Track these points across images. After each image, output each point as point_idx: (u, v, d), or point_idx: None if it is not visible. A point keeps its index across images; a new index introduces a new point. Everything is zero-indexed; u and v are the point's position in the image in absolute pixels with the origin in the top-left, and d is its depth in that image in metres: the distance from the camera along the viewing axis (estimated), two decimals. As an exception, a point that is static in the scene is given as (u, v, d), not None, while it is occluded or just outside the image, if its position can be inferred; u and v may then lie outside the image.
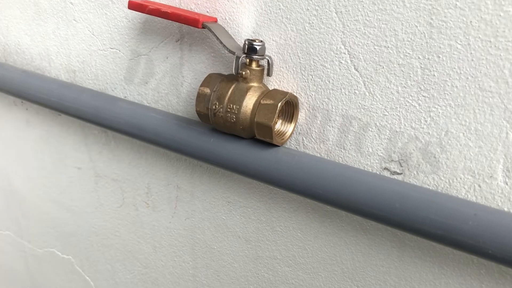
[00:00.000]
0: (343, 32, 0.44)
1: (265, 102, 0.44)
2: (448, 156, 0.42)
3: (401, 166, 0.44)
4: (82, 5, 0.62)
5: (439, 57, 0.40)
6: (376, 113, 0.44)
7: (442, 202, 0.40)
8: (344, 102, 0.46)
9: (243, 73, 0.45)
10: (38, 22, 0.68)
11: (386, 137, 0.44)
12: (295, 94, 0.48)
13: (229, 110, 0.46)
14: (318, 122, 0.48)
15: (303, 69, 0.47)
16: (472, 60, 0.39)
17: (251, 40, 0.45)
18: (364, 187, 0.43)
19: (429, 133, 0.42)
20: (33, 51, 0.70)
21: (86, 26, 0.63)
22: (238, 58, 0.45)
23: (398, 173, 0.45)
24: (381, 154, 0.45)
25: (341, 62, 0.45)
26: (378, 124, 0.44)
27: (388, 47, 0.42)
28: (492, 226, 0.38)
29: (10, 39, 0.73)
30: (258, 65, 0.46)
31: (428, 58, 0.40)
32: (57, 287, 0.90)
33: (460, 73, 0.39)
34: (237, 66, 0.45)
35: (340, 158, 0.47)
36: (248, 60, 0.46)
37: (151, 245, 0.70)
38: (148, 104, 0.60)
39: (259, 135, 0.46)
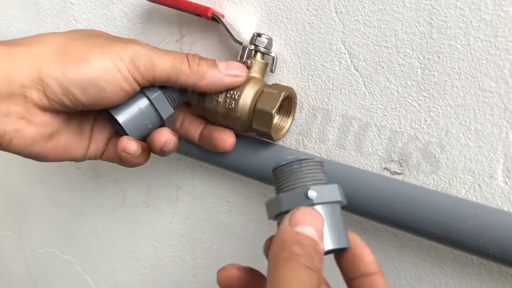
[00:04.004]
0: (343, 32, 0.44)
1: (268, 90, 0.44)
2: (448, 156, 0.42)
3: (401, 166, 0.44)
4: (82, 5, 0.62)
5: (439, 57, 0.40)
6: (376, 113, 0.44)
7: (442, 202, 0.40)
8: (344, 102, 0.46)
9: (248, 61, 0.46)
10: (38, 22, 0.68)
11: (386, 137, 0.44)
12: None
13: (229, 96, 0.45)
14: (318, 122, 0.48)
15: (303, 69, 0.47)
16: (472, 60, 0.39)
17: (260, 33, 0.46)
18: (364, 187, 0.43)
19: (429, 133, 0.42)
20: (33, 51, 0.70)
21: (86, 26, 0.63)
22: (245, 48, 0.46)
23: (398, 173, 0.45)
24: (381, 154, 0.45)
25: (341, 62, 0.45)
26: (378, 124, 0.44)
27: (388, 47, 0.42)
28: (493, 226, 0.38)
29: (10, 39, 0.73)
30: (263, 58, 0.46)
31: (428, 58, 0.40)
32: (57, 287, 0.90)
33: (460, 73, 0.39)
34: (243, 55, 0.46)
35: (340, 158, 0.47)
36: (254, 52, 0.46)
37: (151, 245, 0.70)
38: (148, 104, 0.60)
39: (257, 123, 0.44)
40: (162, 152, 0.43)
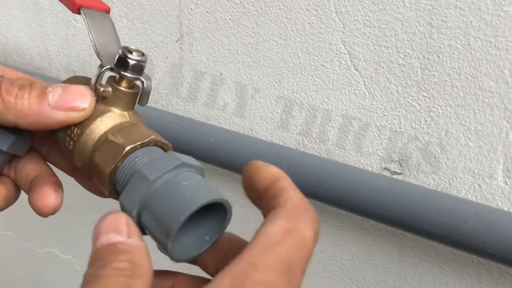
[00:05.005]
0: (343, 32, 0.44)
1: (113, 139, 0.30)
2: (448, 156, 0.42)
3: (401, 166, 0.44)
4: (82, 5, 0.62)
5: (439, 57, 0.40)
6: (376, 113, 0.44)
7: (442, 202, 0.40)
8: (344, 102, 0.46)
9: (101, 89, 0.30)
10: (38, 22, 0.68)
11: (386, 137, 0.44)
12: (294, 93, 0.48)
13: (68, 132, 0.32)
14: (318, 122, 0.48)
15: (303, 69, 0.47)
16: (472, 60, 0.39)
17: (128, 49, 0.30)
18: (364, 186, 0.43)
19: (429, 133, 0.42)
20: (33, 51, 0.70)
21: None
22: (101, 67, 0.30)
23: (398, 173, 0.45)
24: (381, 154, 0.45)
25: (341, 62, 0.45)
26: (378, 124, 0.44)
27: (388, 47, 0.42)
28: (493, 225, 0.38)
29: (10, 39, 0.73)
30: (130, 86, 0.31)
31: (428, 58, 0.40)
32: (57, 287, 0.90)
33: (460, 73, 0.39)
34: (97, 78, 0.30)
35: (340, 158, 0.47)
36: (118, 76, 0.31)
37: (150, 245, 0.70)
38: (148, 104, 0.60)
39: (96, 180, 0.32)
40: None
